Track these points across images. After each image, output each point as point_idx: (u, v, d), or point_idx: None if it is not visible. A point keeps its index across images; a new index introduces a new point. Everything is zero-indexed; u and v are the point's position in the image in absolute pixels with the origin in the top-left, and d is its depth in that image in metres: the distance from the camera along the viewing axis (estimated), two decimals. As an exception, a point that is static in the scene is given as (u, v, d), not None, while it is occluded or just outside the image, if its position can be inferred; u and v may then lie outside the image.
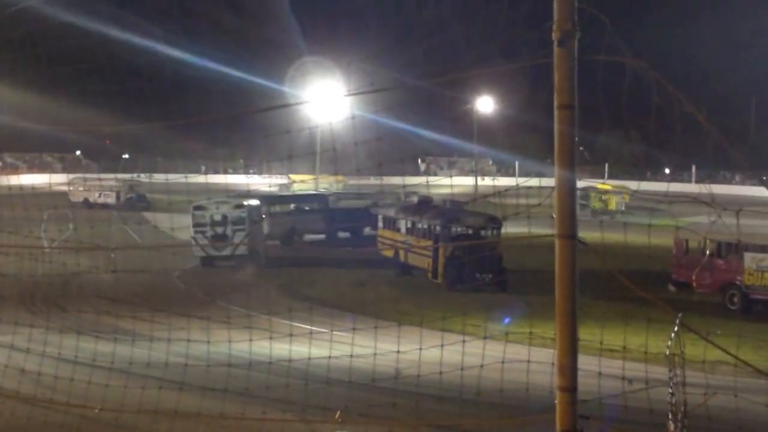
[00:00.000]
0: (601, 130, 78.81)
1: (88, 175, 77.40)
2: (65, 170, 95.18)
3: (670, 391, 7.02)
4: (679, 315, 6.84)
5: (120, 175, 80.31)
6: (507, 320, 16.22)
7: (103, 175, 79.89)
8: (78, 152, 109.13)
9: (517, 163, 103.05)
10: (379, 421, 12.62)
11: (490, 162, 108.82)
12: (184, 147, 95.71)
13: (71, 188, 68.85)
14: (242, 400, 13.43)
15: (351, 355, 11.77)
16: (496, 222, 37.26)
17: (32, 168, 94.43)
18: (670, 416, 7.01)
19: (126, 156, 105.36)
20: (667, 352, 7.05)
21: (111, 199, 66.59)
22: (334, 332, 14.49)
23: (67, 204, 61.30)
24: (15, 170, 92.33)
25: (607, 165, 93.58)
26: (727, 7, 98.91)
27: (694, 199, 6.89)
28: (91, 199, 66.43)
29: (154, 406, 12.26)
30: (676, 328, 6.90)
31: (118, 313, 19.29)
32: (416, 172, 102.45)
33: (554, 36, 5.20)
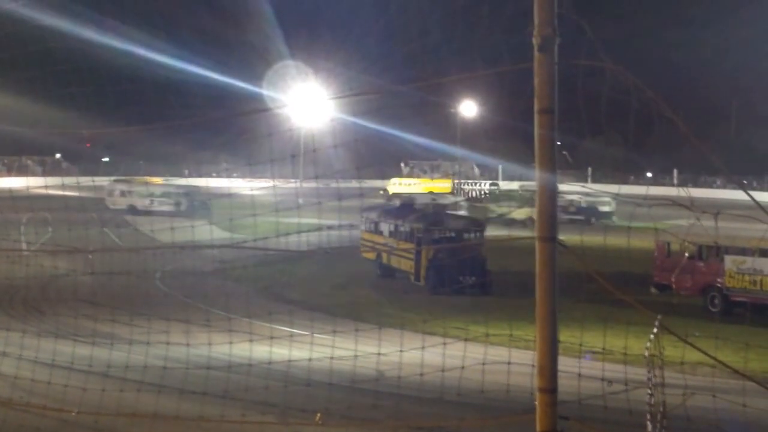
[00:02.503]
0: (584, 134, 79.36)
1: (132, 177, 73.83)
2: (45, 173, 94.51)
3: (649, 392, 7.07)
4: (659, 317, 6.88)
5: (173, 179, 77.77)
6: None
7: (151, 179, 76.32)
8: (58, 155, 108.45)
9: (500, 166, 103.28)
10: (360, 423, 12.64)
11: (473, 165, 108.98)
12: (166, 150, 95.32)
13: (110, 196, 65.40)
14: (222, 403, 13.38)
15: (331, 357, 11.77)
16: (478, 225, 37.37)
17: (11, 171, 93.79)
18: (648, 417, 7.05)
19: (106, 159, 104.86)
20: (647, 354, 7.09)
21: (167, 207, 61.91)
22: (314, 335, 14.50)
23: (106, 211, 58.31)
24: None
25: (590, 169, 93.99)
26: (707, 13, 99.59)
27: (674, 203, 6.92)
28: (140, 206, 62.73)
29: (133, 409, 12.22)
30: (655, 330, 6.94)
31: (96, 316, 19.17)
32: (399, 176, 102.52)
33: (534, 41, 5.22)
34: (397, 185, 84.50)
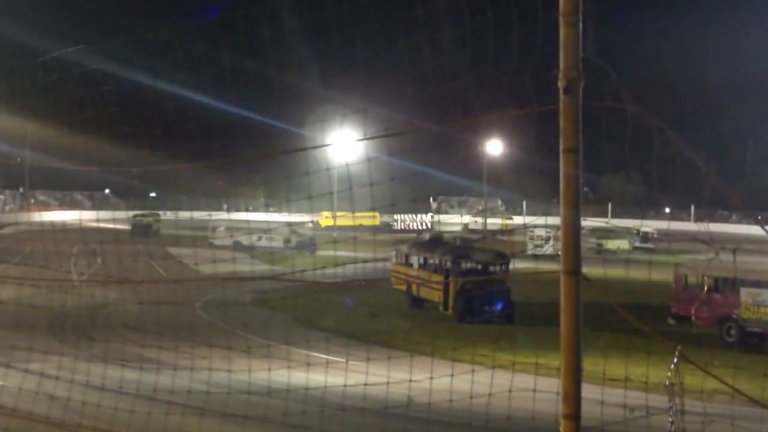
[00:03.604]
0: (604, 171, 79.17)
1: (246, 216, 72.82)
2: (94, 207, 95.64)
3: (670, 419, 7.00)
4: (678, 347, 6.83)
5: (273, 216, 77.94)
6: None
7: (251, 216, 75.63)
8: (107, 190, 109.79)
9: (524, 202, 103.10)
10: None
11: (499, 201, 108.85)
12: (208, 185, 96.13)
13: (214, 231, 65.31)
14: (261, 426, 13.40)
15: (365, 384, 11.74)
16: (504, 258, 37.27)
17: (63, 205, 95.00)
18: (670, 443, 6.99)
19: (153, 194, 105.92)
20: (667, 382, 7.03)
21: (276, 243, 62.05)
22: (349, 361, 14.46)
23: (209, 248, 56.71)
24: (46, 207, 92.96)
25: (610, 205, 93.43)
26: (726, 53, 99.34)
27: (693, 238, 6.89)
28: (246, 242, 61.19)
29: (178, 431, 12.24)
30: (675, 359, 6.88)
31: (143, 342, 19.29)
32: (428, 211, 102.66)
33: (560, 84, 5.24)
34: (328, 217, 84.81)
